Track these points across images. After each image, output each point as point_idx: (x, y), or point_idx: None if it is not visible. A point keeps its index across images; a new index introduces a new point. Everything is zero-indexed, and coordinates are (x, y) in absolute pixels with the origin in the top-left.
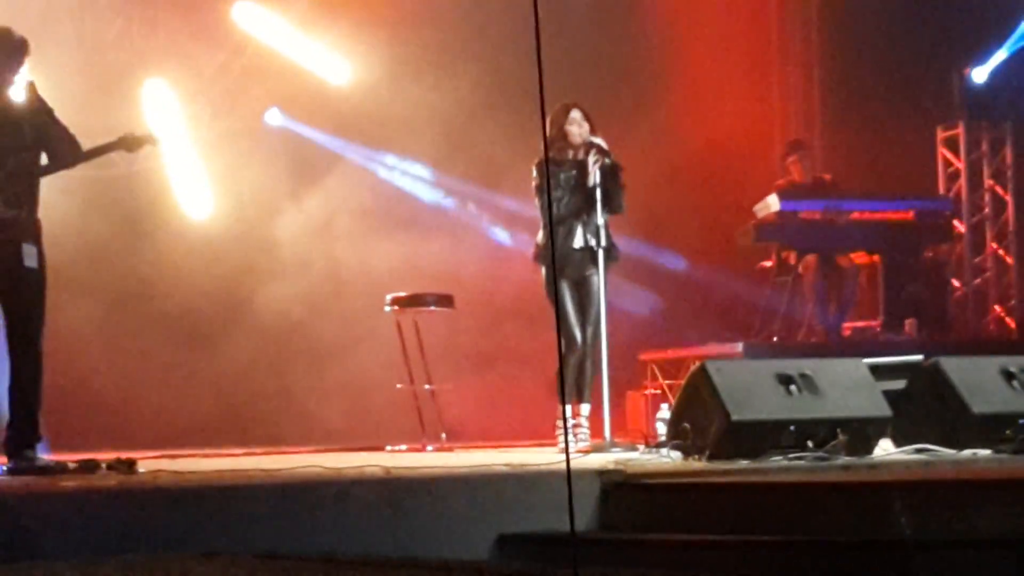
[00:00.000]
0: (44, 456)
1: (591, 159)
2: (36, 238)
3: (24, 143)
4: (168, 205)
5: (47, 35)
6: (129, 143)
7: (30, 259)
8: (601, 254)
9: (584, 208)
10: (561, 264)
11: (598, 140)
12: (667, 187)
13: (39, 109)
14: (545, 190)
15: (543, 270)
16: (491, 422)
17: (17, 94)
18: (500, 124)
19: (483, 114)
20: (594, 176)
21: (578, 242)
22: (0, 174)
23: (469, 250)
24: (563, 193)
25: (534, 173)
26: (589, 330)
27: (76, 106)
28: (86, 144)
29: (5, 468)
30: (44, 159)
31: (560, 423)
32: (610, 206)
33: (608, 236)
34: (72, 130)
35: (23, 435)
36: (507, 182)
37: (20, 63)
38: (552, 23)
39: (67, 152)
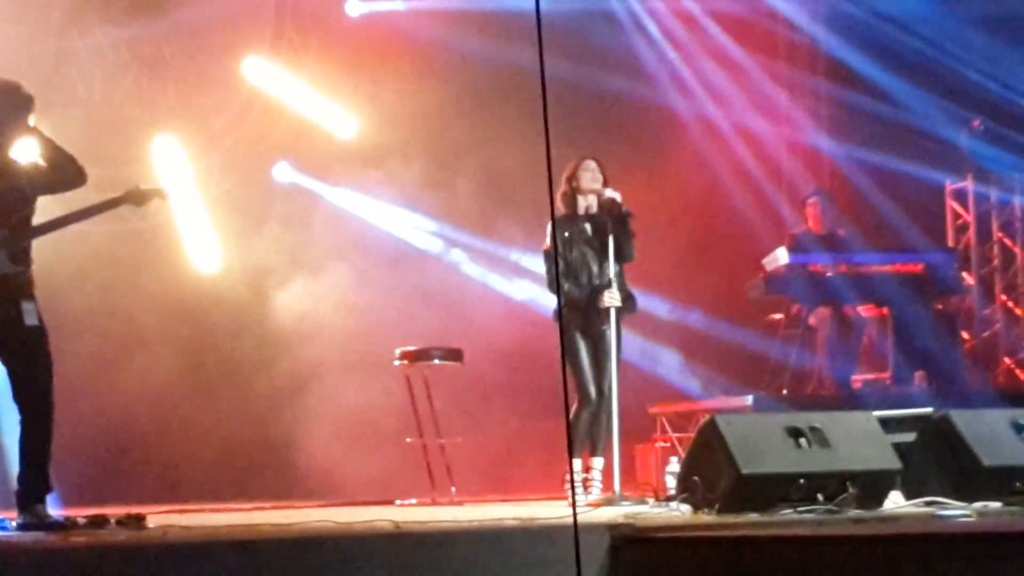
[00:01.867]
0: (54, 512)
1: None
2: (32, 294)
3: (25, 197)
4: (177, 259)
5: (58, 90)
6: (136, 197)
7: (30, 317)
8: (613, 309)
9: (599, 261)
10: (582, 321)
11: (610, 192)
12: (675, 240)
13: (39, 152)
14: (552, 248)
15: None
16: (501, 476)
17: (20, 149)
18: (509, 178)
19: (492, 168)
20: (608, 228)
21: (595, 284)
22: (5, 230)
23: (478, 303)
24: (577, 248)
25: (548, 230)
26: (603, 383)
27: (85, 160)
28: (93, 198)
29: (15, 524)
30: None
31: (569, 476)
32: (620, 254)
33: (625, 286)
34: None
35: (34, 489)
36: (517, 236)
37: (25, 119)
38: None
39: (68, 170)
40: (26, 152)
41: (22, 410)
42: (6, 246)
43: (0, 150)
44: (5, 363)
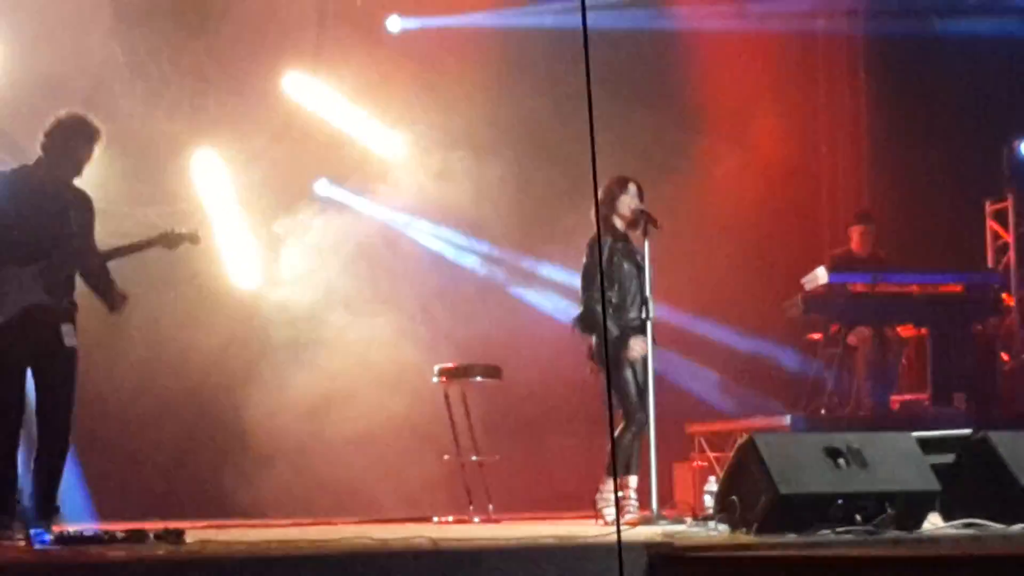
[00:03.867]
0: (92, 526)
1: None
2: (73, 319)
3: (71, 230)
4: (216, 275)
5: (99, 104)
6: (169, 240)
7: (69, 338)
8: (650, 326)
9: (639, 279)
10: (628, 337)
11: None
12: (714, 258)
13: (84, 204)
14: (598, 267)
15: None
16: (538, 493)
17: (70, 183)
18: (551, 195)
19: (532, 184)
20: (645, 248)
21: (639, 311)
22: (44, 262)
23: (517, 321)
24: (620, 269)
25: (589, 249)
26: (643, 403)
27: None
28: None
29: (51, 537)
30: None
31: (602, 495)
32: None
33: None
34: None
35: (47, 507)
36: (557, 253)
37: (91, 152)
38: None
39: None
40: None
41: (44, 429)
42: (44, 277)
43: (67, 179)
44: (39, 383)
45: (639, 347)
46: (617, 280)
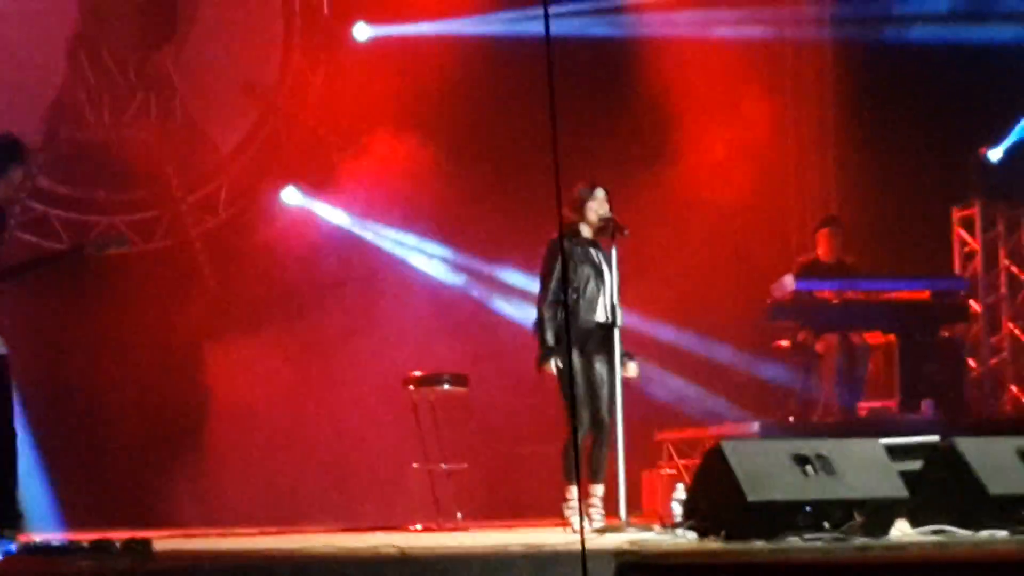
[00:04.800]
0: (58, 535)
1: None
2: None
3: None
4: (190, 282)
5: (66, 113)
6: (95, 244)
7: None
8: (617, 332)
9: (599, 284)
10: (581, 341)
11: (609, 212)
12: (682, 265)
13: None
14: (555, 270)
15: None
16: (506, 502)
17: None
18: (516, 202)
19: (499, 191)
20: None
21: (600, 316)
22: None
23: (483, 329)
24: (582, 272)
25: (549, 253)
26: (603, 409)
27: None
28: None
29: (18, 547)
30: None
31: (568, 503)
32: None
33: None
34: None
35: (5, 515)
36: (522, 259)
37: (24, 173)
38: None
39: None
40: None
41: None
42: None
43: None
44: None
45: (552, 367)
46: (573, 283)
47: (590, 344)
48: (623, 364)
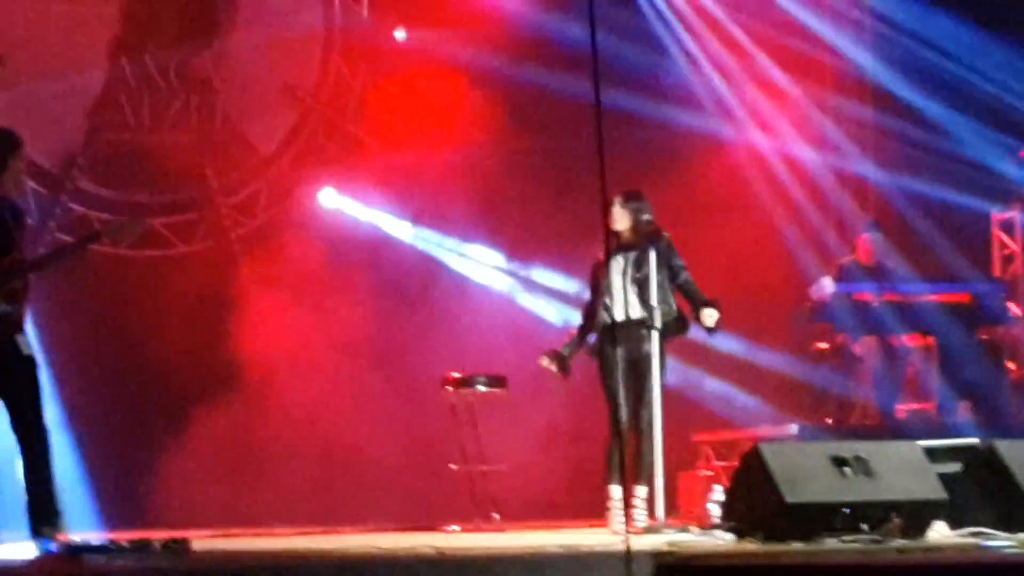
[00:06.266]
0: (98, 535)
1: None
2: (23, 328)
3: (12, 238)
4: (228, 283)
5: (106, 115)
6: (112, 231)
7: (26, 348)
8: (655, 334)
9: (643, 287)
10: (621, 344)
11: (647, 216)
12: (719, 268)
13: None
14: (596, 288)
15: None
16: (543, 503)
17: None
18: (557, 205)
19: (539, 194)
20: (651, 256)
21: (620, 316)
22: None
23: (523, 330)
24: (621, 279)
25: (591, 271)
26: (644, 411)
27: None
28: None
29: (59, 547)
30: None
31: (611, 504)
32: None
33: (674, 308)
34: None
35: (44, 514)
36: (562, 262)
37: (21, 164)
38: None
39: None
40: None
41: (23, 440)
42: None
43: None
44: (3, 395)
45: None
46: (615, 291)
47: (630, 347)
48: (699, 314)
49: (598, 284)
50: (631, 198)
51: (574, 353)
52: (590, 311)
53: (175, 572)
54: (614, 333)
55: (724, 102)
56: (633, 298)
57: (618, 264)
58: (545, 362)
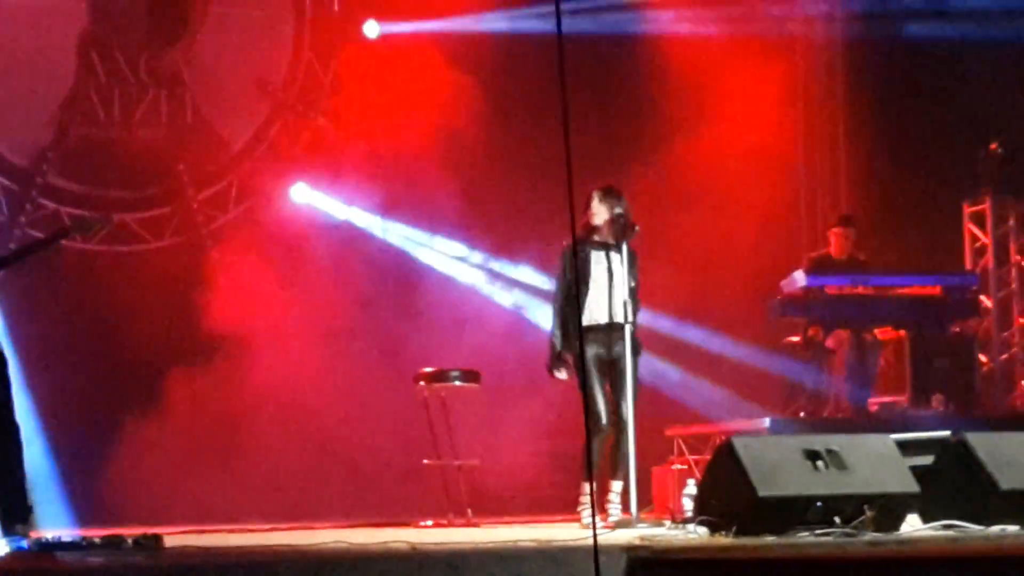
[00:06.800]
0: (71, 531)
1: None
2: None
3: None
4: (200, 278)
5: (76, 111)
6: (80, 227)
7: None
8: (628, 329)
9: (608, 284)
10: (594, 340)
11: (619, 209)
12: (692, 261)
13: None
14: (562, 275)
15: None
16: (517, 497)
17: None
18: (530, 199)
19: (512, 189)
20: (624, 253)
21: (609, 316)
22: None
23: (495, 324)
24: (594, 271)
25: (559, 259)
26: (622, 407)
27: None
28: None
29: (30, 544)
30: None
31: (584, 499)
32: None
33: (639, 305)
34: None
35: (15, 510)
36: (536, 258)
37: None
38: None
39: None
40: None
41: None
42: None
43: None
44: None
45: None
46: (582, 285)
47: (603, 342)
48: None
49: (569, 268)
50: (609, 194)
51: (570, 347)
52: (567, 294)
53: (148, 568)
54: (591, 329)
55: (695, 94)
56: (608, 295)
57: (596, 258)
58: (562, 375)
